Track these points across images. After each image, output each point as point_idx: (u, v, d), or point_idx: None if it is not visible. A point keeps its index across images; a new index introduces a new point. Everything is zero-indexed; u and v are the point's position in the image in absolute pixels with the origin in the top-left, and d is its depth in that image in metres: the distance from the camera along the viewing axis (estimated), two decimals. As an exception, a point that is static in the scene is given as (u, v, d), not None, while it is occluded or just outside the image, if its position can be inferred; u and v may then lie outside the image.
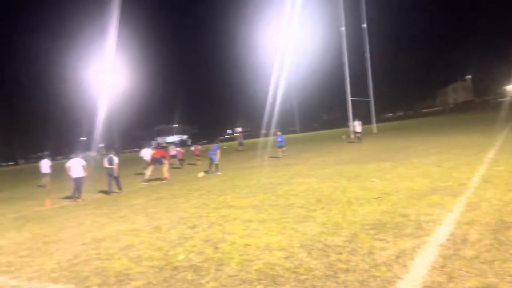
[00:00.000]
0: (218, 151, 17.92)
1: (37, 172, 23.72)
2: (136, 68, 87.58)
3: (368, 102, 44.28)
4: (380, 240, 5.29)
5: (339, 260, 4.69)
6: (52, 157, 25.17)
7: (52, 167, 21.74)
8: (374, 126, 43.08)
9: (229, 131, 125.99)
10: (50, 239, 7.55)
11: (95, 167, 27.91)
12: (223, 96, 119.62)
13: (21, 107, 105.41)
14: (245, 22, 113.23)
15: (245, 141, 42.61)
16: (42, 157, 24.25)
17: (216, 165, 17.72)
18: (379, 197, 8.01)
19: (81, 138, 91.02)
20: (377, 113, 49.64)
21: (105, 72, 55.86)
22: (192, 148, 29.32)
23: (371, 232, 5.68)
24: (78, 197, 13.16)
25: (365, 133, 32.95)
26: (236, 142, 43.74)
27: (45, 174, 21.11)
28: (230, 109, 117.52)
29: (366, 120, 46.20)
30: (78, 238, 7.41)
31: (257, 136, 76.67)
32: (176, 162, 24.50)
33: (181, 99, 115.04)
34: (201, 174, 17.61)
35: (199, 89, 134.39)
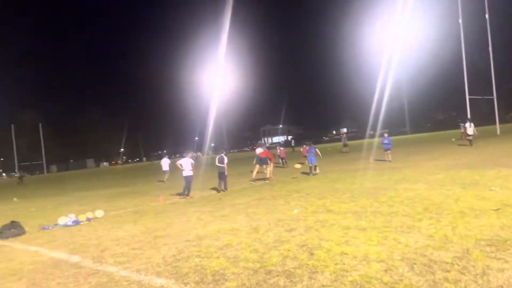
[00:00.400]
0: (317, 150, 18.61)
1: (156, 169, 26.12)
2: (244, 70, 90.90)
3: (490, 101, 39.80)
4: (497, 259, 4.66)
5: (446, 279, 4.23)
6: (169, 156, 27.85)
7: (171, 165, 23.62)
8: (497, 126, 38.62)
9: (334, 132, 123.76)
10: (159, 234, 8.18)
11: (205, 166, 29.70)
12: (328, 96, 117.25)
13: (143, 111, 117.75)
14: (351, 17, 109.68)
15: (350, 142, 41.40)
16: (162, 156, 26.77)
17: (315, 166, 17.81)
18: (499, 209, 7.09)
19: (195, 138, 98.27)
20: (502, 112, 44.36)
21: (217, 75, 59.48)
22: (301, 148, 29.90)
23: (487, 249, 5.04)
24: (188, 195, 14.10)
25: (487, 134, 29.58)
26: (340, 143, 42.79)
27: (165, 172, 23.15)
28: (335, 109, 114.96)
29: (488, 121, 41.64)
30: (183, 234, 7.89)
31: (362, 137, 74.06)
32: (280, 161, 25.19)
33: (286, 100, 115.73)
34: (298, 165, 20.65)
35: (304, 89, 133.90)
